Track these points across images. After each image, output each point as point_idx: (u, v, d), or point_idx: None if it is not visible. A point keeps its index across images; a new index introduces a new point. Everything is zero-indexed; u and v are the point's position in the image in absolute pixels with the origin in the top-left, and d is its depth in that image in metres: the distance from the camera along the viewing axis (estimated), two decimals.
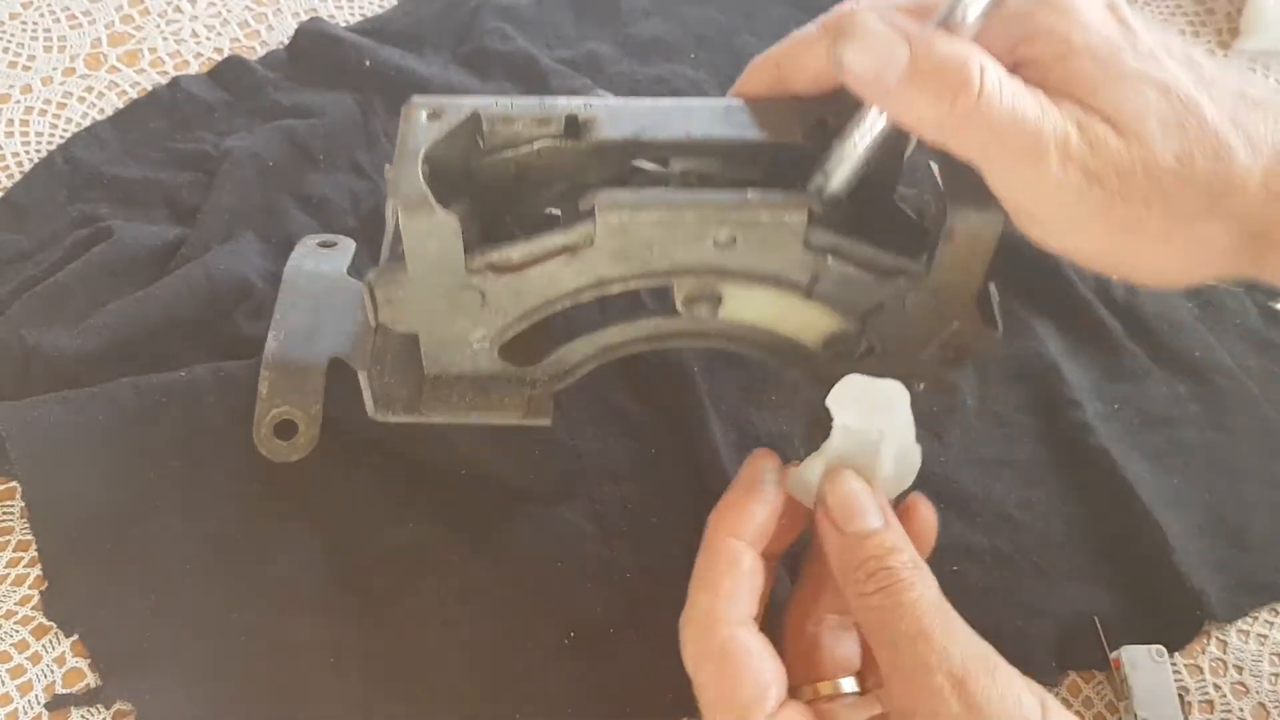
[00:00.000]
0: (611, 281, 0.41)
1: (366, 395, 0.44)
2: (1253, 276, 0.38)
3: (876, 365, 0.43)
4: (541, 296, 0.42)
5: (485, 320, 0.42)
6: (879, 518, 0.38)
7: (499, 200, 0.44)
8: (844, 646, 0.41)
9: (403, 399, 0.45)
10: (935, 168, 0.40)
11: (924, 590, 0.36)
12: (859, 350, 0.44)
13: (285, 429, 0.50)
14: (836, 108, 0.41)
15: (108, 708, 0.45)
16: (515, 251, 0.41)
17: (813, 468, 0.40)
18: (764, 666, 0.37)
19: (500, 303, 0.42)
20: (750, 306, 0.43)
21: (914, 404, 0.39)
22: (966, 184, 0.38)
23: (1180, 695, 0.47)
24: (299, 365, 0.52)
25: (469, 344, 0.43)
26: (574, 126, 0.42)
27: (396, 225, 0.40)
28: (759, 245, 0.40)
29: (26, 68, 0.66)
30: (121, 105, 0.64)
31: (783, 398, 0.54)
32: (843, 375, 0.39)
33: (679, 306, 0.42)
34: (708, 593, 0.38)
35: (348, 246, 0.56)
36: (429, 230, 0.39)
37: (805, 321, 0.43)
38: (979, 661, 0.34)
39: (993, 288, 0.42)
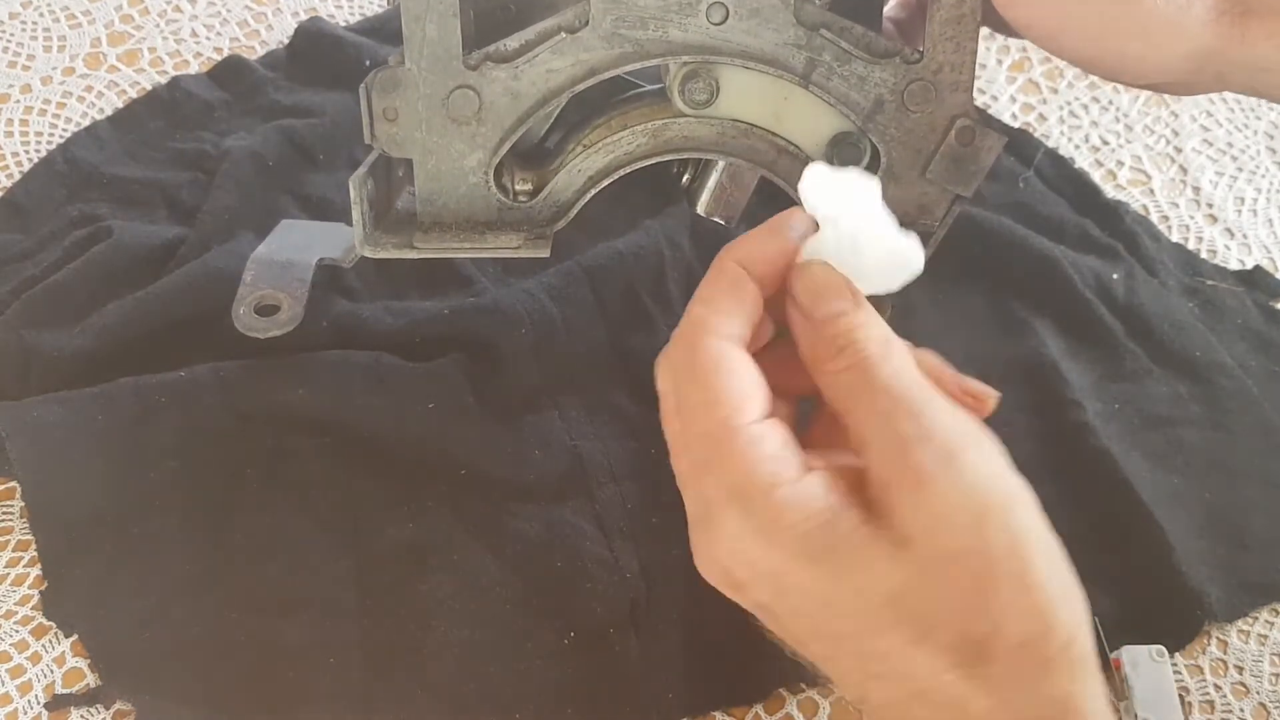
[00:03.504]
0: (605, 68, 0.42)
1: (357, 229, 0.44)
2: (1234, 50, 0.39)
3: (885, 190, 0.43)
4: (536, 95, 0.42)
5: (481, 138, 0.43)
6: (847, 300, 0.36)
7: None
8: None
9: (394, 240, 0.45)
10: None
11: (898, 365, 0.34)
12: (863, 159, 0.44)
13: (267, 310, 0.51)
14: None
15: (108, 708, 0.45)
16: (512, 40, 0.42)
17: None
18: (747, 376, 0.35)
19: (496, 109, 0.42)
20: (748, 101, 0.43)
21: None
22: None
23: (1181, 695, 0.47)
24: (286, 262, 0.52)
25: (465, 176, 0.44)
26: None
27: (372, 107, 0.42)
28: (751, 18, 0.41)
29: (26, 67, 0.66)
30: (121, 105, 0.64)
31: None
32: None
33: (675, 90, 0.42)
34: (702, 305, 0.36)
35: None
36: (428, 7, 0.40)
37: (805, 123, 0.43)
38: (965, 437, 0.33)
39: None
